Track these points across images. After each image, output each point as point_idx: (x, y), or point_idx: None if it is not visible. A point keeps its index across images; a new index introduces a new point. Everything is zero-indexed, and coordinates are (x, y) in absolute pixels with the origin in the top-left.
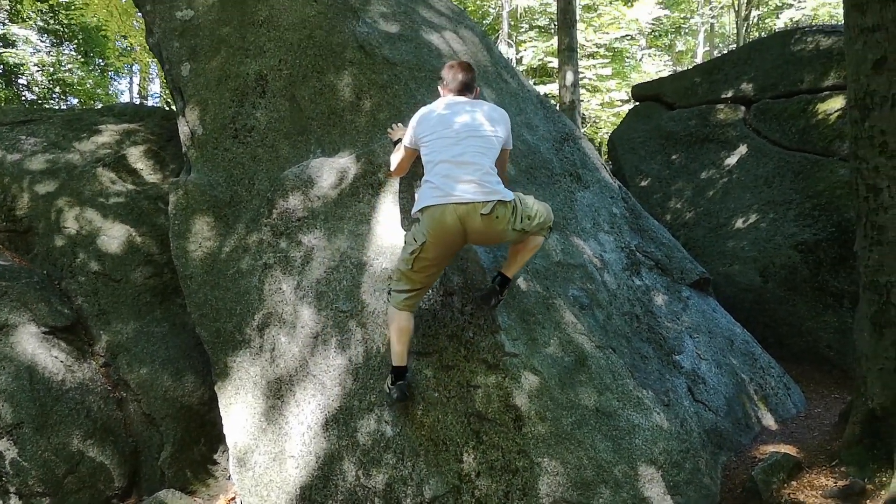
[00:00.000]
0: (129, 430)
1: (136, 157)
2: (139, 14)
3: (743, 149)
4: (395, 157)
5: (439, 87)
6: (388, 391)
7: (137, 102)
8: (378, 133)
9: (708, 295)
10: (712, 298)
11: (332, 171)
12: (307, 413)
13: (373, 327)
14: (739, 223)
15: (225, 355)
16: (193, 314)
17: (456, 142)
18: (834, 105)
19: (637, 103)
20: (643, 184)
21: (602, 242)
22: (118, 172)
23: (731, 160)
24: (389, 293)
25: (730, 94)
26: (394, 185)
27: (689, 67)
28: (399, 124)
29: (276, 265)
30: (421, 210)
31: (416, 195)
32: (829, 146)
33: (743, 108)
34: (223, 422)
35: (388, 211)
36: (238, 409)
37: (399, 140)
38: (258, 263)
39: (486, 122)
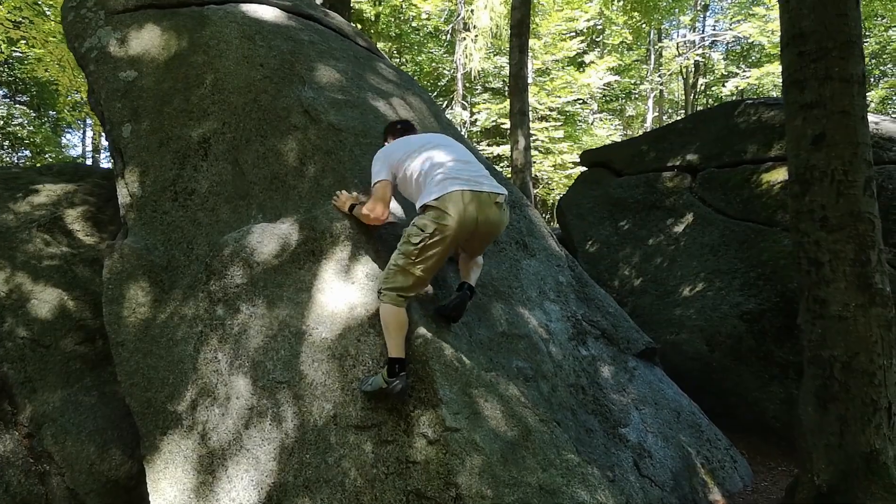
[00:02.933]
0: None
1: (72, 218)
2: None
3: (689, 217)
4: (373, 202)
5: (389, 139)
6: (385, 385)
7: (90, 156)
8: (321, 199)
9: (654, 365)
10: (659, 368)
11: (272, 238)
12: (239, 489)
13: (310, 399)
14: (686, 291)
15: (155, 427)
16: (124, 383)
17: (448, 147)
18: (776, 176)
19: (586, 169)
20: (591, 249)
21: (548, 312)
22: (53, 234)
23: (678, 228)
24: (380, 293)
25: (676, 163)
26: (336, 253)
27: (637, 135)
28: (344, 192)
29: (212, 333)
30: (436, 199)
31: (423, 189)
32: (772, 216)
33: (689, 176)
34: (150, 498)
35: (329, 279)
36: (167, 484)
37: (353, 205)
38: (194, 331)
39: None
